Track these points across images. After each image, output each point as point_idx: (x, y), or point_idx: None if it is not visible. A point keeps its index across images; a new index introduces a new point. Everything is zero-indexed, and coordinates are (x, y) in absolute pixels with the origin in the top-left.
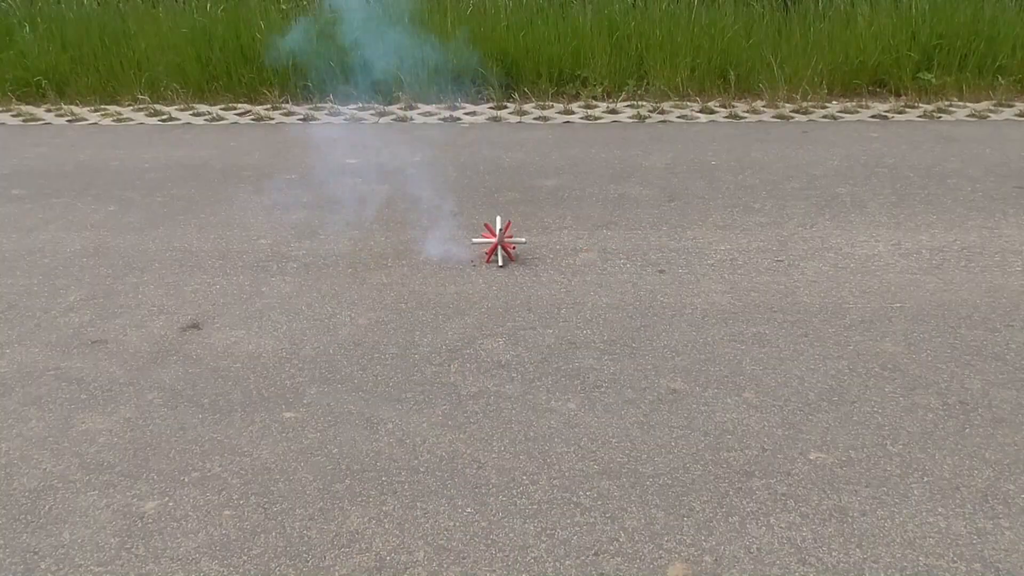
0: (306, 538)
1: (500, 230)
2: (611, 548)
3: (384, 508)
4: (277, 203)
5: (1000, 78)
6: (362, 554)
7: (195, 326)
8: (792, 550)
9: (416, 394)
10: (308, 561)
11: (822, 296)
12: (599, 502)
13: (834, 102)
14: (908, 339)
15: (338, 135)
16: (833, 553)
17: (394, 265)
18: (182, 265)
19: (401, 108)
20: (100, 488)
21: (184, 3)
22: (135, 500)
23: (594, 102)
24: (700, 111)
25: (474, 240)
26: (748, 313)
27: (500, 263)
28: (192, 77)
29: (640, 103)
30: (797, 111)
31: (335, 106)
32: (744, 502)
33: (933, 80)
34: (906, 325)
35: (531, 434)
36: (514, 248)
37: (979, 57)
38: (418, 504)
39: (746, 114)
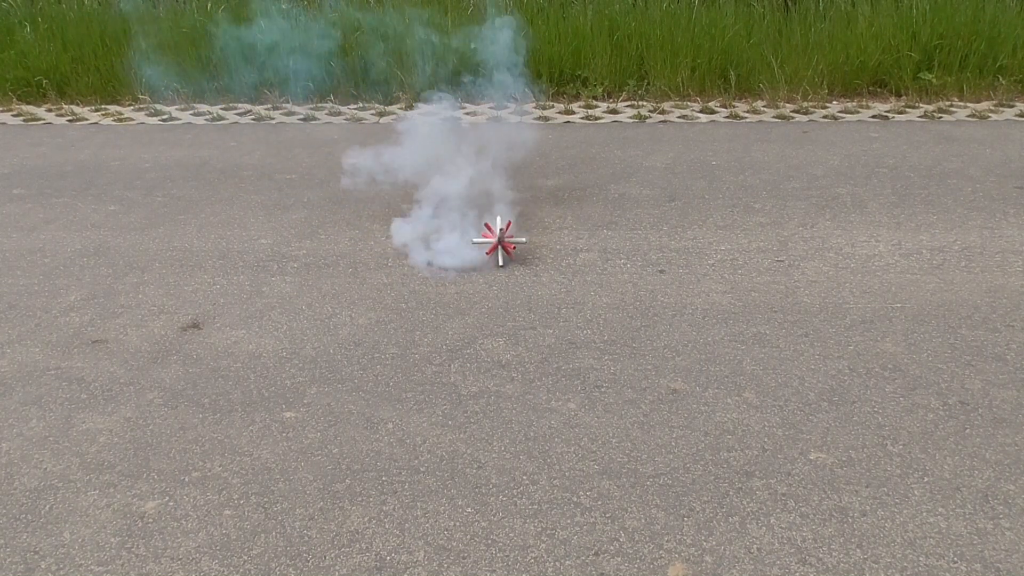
0: (306, 538)
1: (500, 229)
2: (611, 548)
3: (384, 508)
4: (277, 203)
5: (1001, 78)
6: (362, 554)
7: (195, 326)
8: (792, 550)
9: (416, 394)
10: (308, 561)
11: (822, 296)
12: (599, 502)
13: (834, 102)
14: (908, 339)
15: (338, 135)
16: (833, 553)
17: (394, 265)
18: (182, 265)
19: (402, 108)
20: (100, 488)
21: (184, 3)
22: (135, 500)
23: (594, 102)
24: (700, 111)
25: (474, 240)
26: (748, 313)
27: (500, 263)
28: (192, 77)
29: (640, 103)
30: (797, 111)
31: (335, 106)
32: (744, 502)
33: (934, 80)
34: (906, 325)
35: (531, 434)
36: (514, 248)
37: (980, 57)
38: (418, 504)
39: (746, 114)
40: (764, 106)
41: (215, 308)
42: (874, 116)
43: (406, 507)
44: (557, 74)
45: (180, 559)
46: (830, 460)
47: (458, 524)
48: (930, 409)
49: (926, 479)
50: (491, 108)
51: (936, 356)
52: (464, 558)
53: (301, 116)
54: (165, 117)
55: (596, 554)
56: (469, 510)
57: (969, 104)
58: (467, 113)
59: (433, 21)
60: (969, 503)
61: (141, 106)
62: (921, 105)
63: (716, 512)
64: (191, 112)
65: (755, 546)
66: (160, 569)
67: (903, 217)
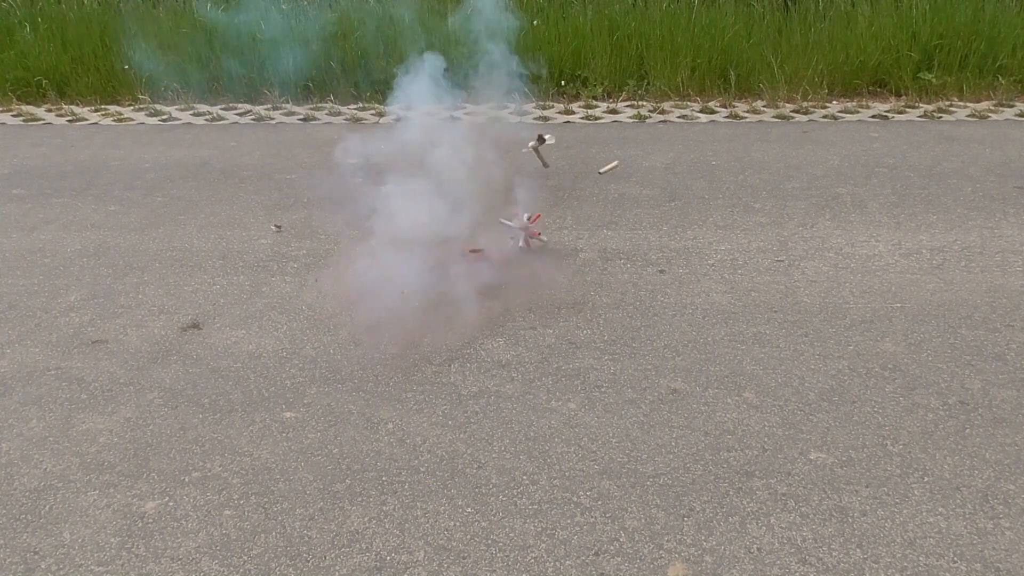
0: (306, 538)
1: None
2: (611, 548)
3: (384, 508)
4: (277, 203)
5: (1000, 78)
6: (362, 554)
7: (195, 326)
8: (792, 550)
9: (416, 394)
10: (308, 561)
11: (822, 296)
12: (599, 502)
13: (834, 102)
14: (908, 339)
15: (338, 135)
16: (833, 553)
17: (395, 265)
18: (182, 265)
19: (402, 108)
20: (100, 488)
21: (184, 3)
22: (135, 500)
23: (594, 102)
24: (700, 111)
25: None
26: (748, 313)
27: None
28: (192, 77)
29: (640, 103)
30: (797, 111)
31: (335, 106)
32: (744, 502)
33: (933, 80)
34: (906, 325)
35: (531, 434)
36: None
37: (979, 57)
38: (418, 504)
39: (746, 114)
40: (764, 106)
41: (215, 308)
42: (874, 116)
43: (406, 507)
44: (557, 74)
45: (180, 559)
46: (830, 460)
47: (458, 524)
48: (930, 409)
49: (926, 479)
50: (491, 108)
51: (936, 356)
52: (464, 558)
53: (301, 116)
54: (165, 117)
55: (596, 554)
56: (469, 510)
57: (969, 104)
58: (467, 113)
59: (431, 19)
60: (969, 503)
61: (141, 106)
62: (921, 105)
63: (716, 512)
64: (191, 112)
65: (755, 546)
66: (160, 569)
67: (903, 217)
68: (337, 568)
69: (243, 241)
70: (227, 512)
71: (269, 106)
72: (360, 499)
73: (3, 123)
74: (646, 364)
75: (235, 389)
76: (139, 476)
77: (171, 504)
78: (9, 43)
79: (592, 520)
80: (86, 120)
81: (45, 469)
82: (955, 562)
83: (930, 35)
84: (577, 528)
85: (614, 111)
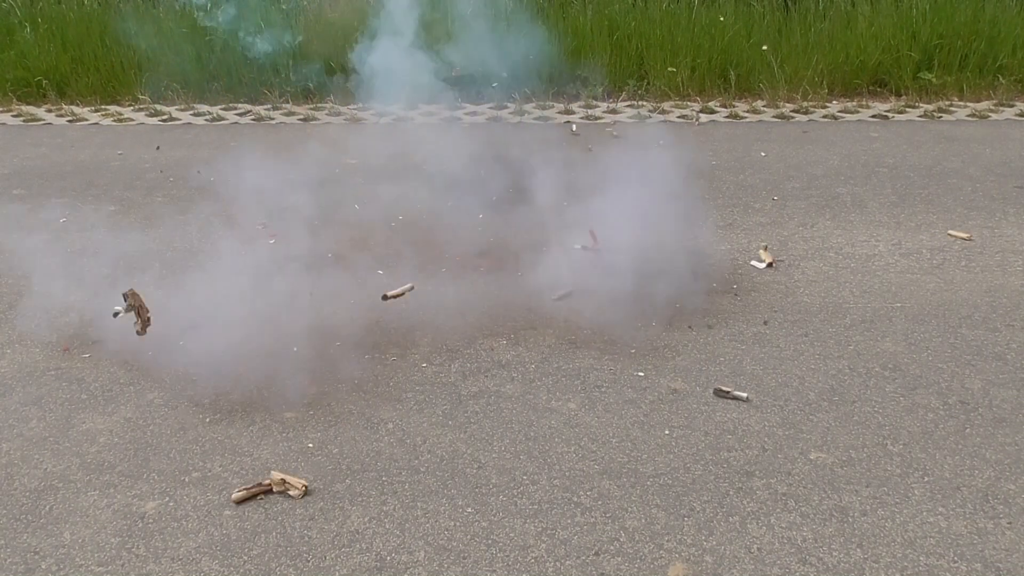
0: (306, 538)
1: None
2: (611, 548)
3: (384, 508)
4: (278, 203)
5: (1000, 78)
6: (362, 554)
7: (195, 326)
8: (793, 550)
9: (416, 394)
10: (308, 561)
11: (822, 296)
12: (599, 502)
13: (834, 102)
14: (908, 339)
15: (338, 135)
16: (833, 553)
17: (395, 265)
18: (182, 265)
19: (401, 108)
20: (101, 488)
21: (184, 3)
22: (136, 500)
23: (594, 102)
24: (700, 111)
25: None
26: (749, 313)
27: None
28: (192, 77)
29: (640, 103)
30: (797, 111)
31: (335, 106)
32: (744, 502)
33: (933, 80)
34: (906, 325)
35: (531, 434)
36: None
37: (979, 57)
38: (418, 504)
39: (746, 114)
40: (764, 106)
41: (215, 308)
42: (874, 116)
43: (406, 507)
44: (557, 74)
45: (180, 559)
46: (830, 460)
47: (458, 524)
48: (930, 409)
49: (926, 479)
50: (491, 108)
51: (936, 356)
52: (464, 558)
53: (301, 116)
54: (165, 117)
55: (596, 554)
56: (469, 510)
57: (969, 104)
58: (467, 113)
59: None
60: (969, 502)
61: (141, 106)
62: (921, 105)
63: (716, 512)
64: (191, 112)
65: (755, 546)
66: (160, 569)
67: (903, 217)
68: (337, 568)
69: (243, 241)
70: (227, 512)
71: (269, 106)
72: (360, 499)
73: (3, 123)
74: (646, 364)
75: (235, 389)
76: (139, 476)
77: (171, 504)
78: (9, 43)
79: (592, 520)
80: (86, 120)
81: (45, 469)
82: (955, 562)
83: (930, 35)
84: (577, 528)
85: (614, 111)
